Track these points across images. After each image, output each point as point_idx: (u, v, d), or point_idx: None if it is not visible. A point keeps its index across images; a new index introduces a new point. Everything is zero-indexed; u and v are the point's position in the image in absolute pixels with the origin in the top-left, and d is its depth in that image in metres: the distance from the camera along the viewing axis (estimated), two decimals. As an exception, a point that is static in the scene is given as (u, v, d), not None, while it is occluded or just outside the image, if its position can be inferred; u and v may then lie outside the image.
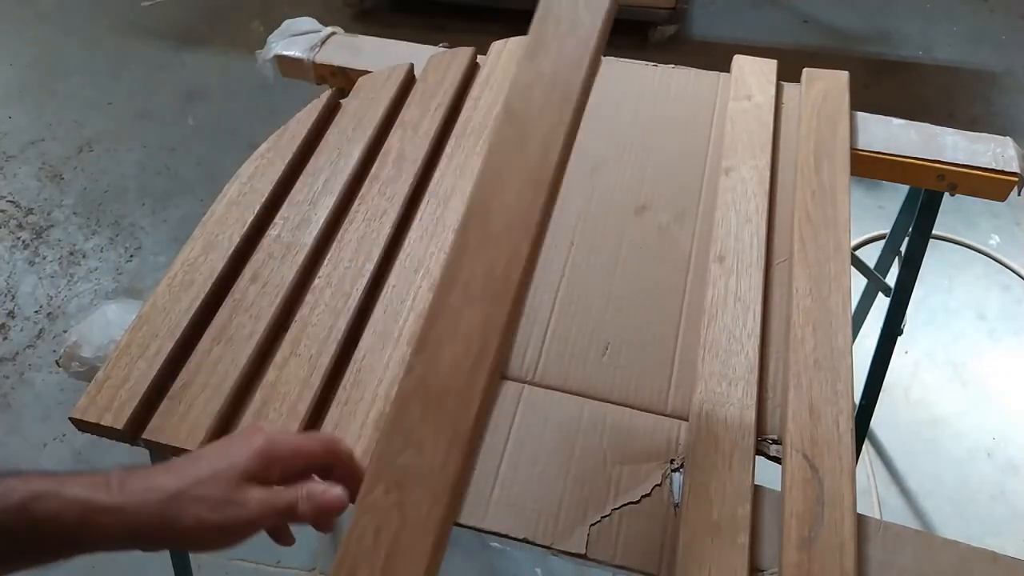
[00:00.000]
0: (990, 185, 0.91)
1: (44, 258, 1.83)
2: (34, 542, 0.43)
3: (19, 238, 1.86)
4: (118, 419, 0.66)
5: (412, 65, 0.98)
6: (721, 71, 1.01)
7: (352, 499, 0.48)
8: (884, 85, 2.20)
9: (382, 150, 0.88)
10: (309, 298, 0.75)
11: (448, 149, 0.88)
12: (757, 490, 0.64)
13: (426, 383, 0.44)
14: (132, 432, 0.67)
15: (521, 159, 0.50)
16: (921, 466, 1.48)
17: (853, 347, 0.72)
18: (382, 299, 0.75)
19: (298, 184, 0.85)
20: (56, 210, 1.92)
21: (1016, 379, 1.61)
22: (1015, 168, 0.90)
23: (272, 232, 0.80)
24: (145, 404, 0.68)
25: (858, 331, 1.38)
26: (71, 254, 1.83)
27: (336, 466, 0.50)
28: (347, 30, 1.09)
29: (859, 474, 0.70)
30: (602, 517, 0.64)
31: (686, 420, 0.69)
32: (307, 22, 1.08)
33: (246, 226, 0.80)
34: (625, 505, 0.65)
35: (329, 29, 1.08)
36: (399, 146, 0.88)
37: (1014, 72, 2.25)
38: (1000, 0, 2.47)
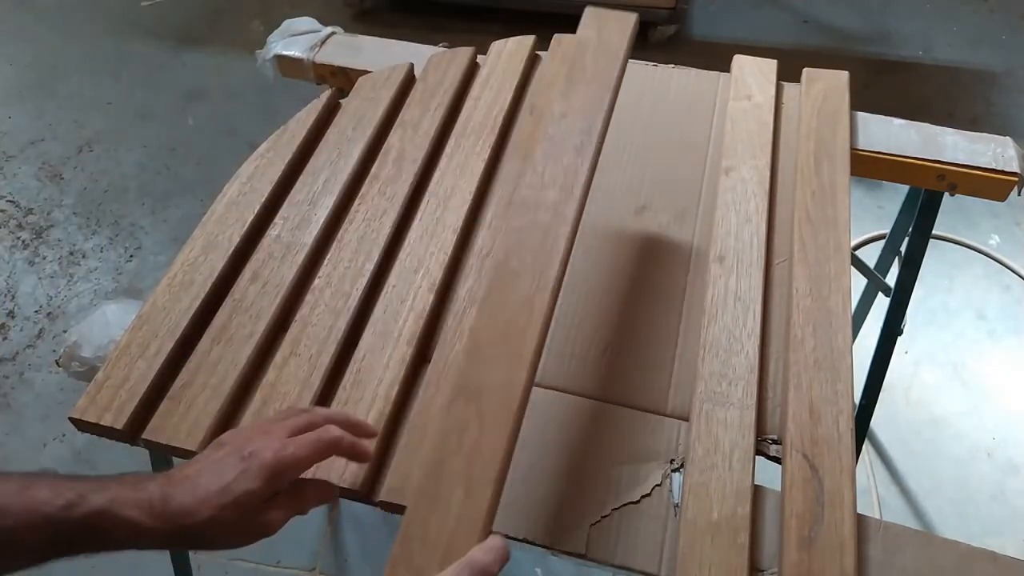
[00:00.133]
0: (990, 185, 0.91)
1: (44, 258, 1.83)
2: (85, 547, 0.49)
3: (19, 238, 1.86)
4: (118, 419, 0.66)
5: (412, 65, 0.98)
6: (721, 71, 1.01)
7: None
8: (884, 85, 2.20)
9: (382, 150, 0.88)
10: (309, 298, 0.75)
11: (448, 149, 0.88)
12: (757, 490, 0.64)
13: (495, 317, 0.56)
14: (132, 432, 0.67)
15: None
16: (921, 466, 1.48)
17: (853, 347, 0.72)
18: (382, 299, 0.75)
19: (298, 184, 0.85)
20: (56, 210, 1.92)
21: (1016, 379, 1.61)
22: (1015, 168, 0.90)
23: (272, 232, 0.80)
24: (145, 404, 0.68)
25: (858, 331, 1.38)
26: (71, 254, 1.83)
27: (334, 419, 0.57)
28: (347, 30, 1.09)
29: (859, 474, 0.70)
30: (602, 517, 0.64)
31: (686, 420, 0.69)
32: (307, 22, 1.08)
33: (246, 226, 0.80)
34: (625, 505, 0.65)
35: (329, 29, 1.08)
36: (399, 146, 0.88)
37: (1014, 72, 2.25)
38: (1000, 0, 2.47)
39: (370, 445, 0.57)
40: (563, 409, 0.71)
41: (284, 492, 0.52)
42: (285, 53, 1.04)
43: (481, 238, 0.79)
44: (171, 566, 1.13)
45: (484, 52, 1.00)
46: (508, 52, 0.99)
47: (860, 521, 0.62)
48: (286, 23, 1.08)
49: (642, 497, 0.65)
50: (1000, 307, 1.73)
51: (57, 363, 0.76)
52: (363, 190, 0.84)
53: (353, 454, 0.56)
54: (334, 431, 0.54)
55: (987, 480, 1.46)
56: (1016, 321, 1.70)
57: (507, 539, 0.48)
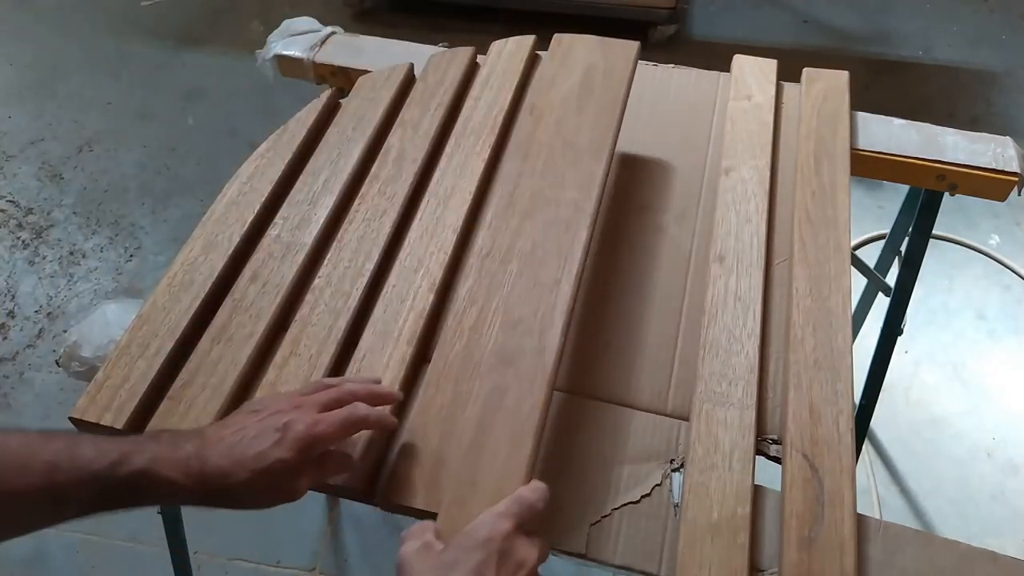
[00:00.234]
0: (990, 185, 0.91)
1: (44, 258, 1.83)
2: (127, 503, 0.53)
3: (19, 238, 1.86)
4: (118, 419, 0.66)
5: (412, 65, 0.98)
6: (721, 71, 1.01)
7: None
8: (884, 85, 2.20)
9: (382, 149, 0.88)
10: (309, 298, 0.75)
11: (448, 148, 0.88)
12: (757, 490, 0.64)
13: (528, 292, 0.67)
14: (132, 432, 0.67)
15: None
16: (921, 466, 1.48)
17: (853, 347, 0.72)
18: (382, 299, 0.75)
19: (298, 184, 0.85)
20: (56, 210, 1.92)
21: (1016, 379, 1.61)
22: (1015, 168, 0.90)
23: (272, 232, 0.80)
24: (145, 404, 0.68)
25: (858, 331, 1.38)
26: (71, 254, 1.83)
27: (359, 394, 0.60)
28: (347, 30, 1.09)
29: (859, 474, 0.70)
30: (602, 517, 0.64)
31: (686, 420, 0.69)
32: (307, 22, 1.08)
33: (246, 226, 0.80)
34: (625, 505, 0.65)
35: (329, 29, 1.08)
36: (399, 145, 0.88)
37: (1014, 72, 2.25)
38: (1000, 0, 2.47)
39: (393, 418, 0.62)
40: (563, 409, 0.71)
41: (310, 462, 0.56)
42: (285, 53, 1.04)
43: (481, 238, 0.79)
44: (171, 566, 1.13)
45: (484, 52, 1.00)
46: (508, 52, 0.99)
47: (860, 521, 0.62)
48: (286, 23, 1.08)
49: (642, 497, 0.65)
50: (1000, 307, 1.73)
51: (57, 363, 0.76)
52: (363, 190, 0.84)
53: (379, 428, 0.62)
54: (361, 409, 0.58)
55: (987, 480, 1.46)
56: (1016, 321, 1.70)
57: None
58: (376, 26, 2.37)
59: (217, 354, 0.70)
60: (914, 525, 1.34)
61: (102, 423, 0.66)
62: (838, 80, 0.97)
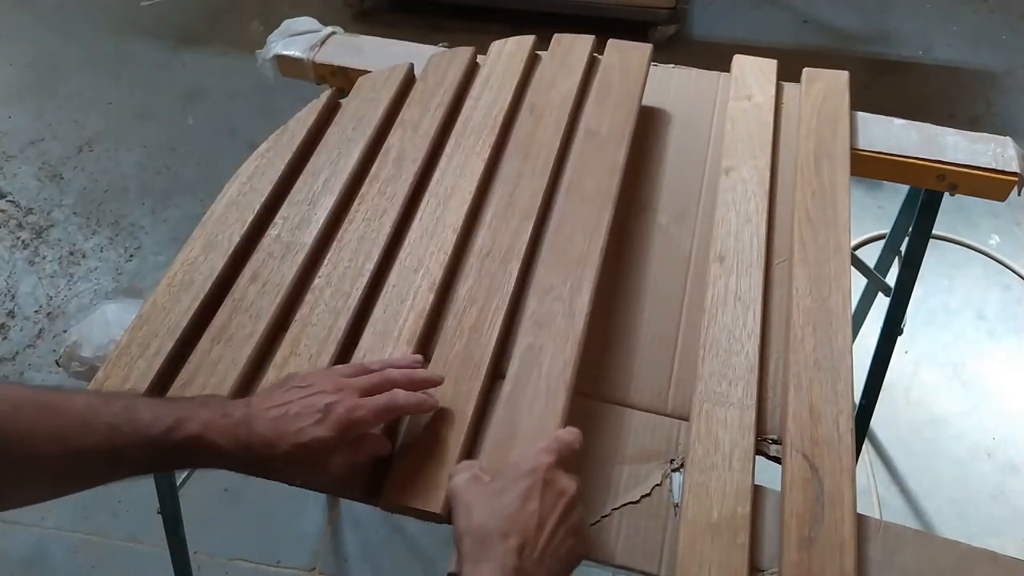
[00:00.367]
0: (990, 185, 0.91)
1: (44, 258, 1.83)
2: (178, 465, 0.57)
3: (19, 238, 1.86)
4: (118, 419, 0.66)
5: (412, 65, 0.98)
6: (721, 71, 1.01)
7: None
8: (884, 85, 2.20)
9: (382, 149, 0.88)
10: (309, 298, 0.75)
11: (448, 148, 0.88)
12: (757, 490, 0.64)
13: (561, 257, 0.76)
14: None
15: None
16: (921, 466, 1.48)
17: (853, 347, 0.72)
18: (382, 299, 0.75)
19: (298, 184, 0.85)
20: (56, 210, 1.92)
21: (1016, 379, 1.61)
22: (1015, 168, 0.90)
23: (272, 232, 0.80)
24: (145, 404, 0.68)
25: (858, 331, 1.38)
26: (71, 254, 1.83)
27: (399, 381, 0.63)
28: (347, 30, 1.09)
29: (859, 474, 0.70)
30: (602, 517, 0.64)
31: (686, 420, 0.69)
32: (307, 22, 1.08)
33: (246, 226, 0.80)
34: (625, 505, 0.65)
35: (329, 29, 1.08)
36: (399, 145, 0.88)
37: (1014, 72, 2.25)
38: (1000, 0, 2.47)
39: (434, 400, 0.64)
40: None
41: (346, 442, 0.59)
42: (285, 53, 1.04)
43: (481, 238, 0.79)
44: (171, 566, 1.13)
45: (484, 52, 1.00)
46: (508, 52, 0.99)
47: (860, 521, 0.62)
48: (286, 23, 1.08)
49: (642, 497, 0.65)
50: (1000, 307, 1.73)
51: (57, 363, 0.76)
52: (363, 190, 0.84)
53: (419, 412, 0.64)
54: (400, 398, 0.61)
55: (987, 480, 1.46)
56: (1016, 321, 1.70)
57: None
58: (376, 26, 2.37)
59: (217, 354, 0.70)
60: (914, 525, 1.34)
61: (102, 423, 0.66)
62: (838, 80, 0.97)
